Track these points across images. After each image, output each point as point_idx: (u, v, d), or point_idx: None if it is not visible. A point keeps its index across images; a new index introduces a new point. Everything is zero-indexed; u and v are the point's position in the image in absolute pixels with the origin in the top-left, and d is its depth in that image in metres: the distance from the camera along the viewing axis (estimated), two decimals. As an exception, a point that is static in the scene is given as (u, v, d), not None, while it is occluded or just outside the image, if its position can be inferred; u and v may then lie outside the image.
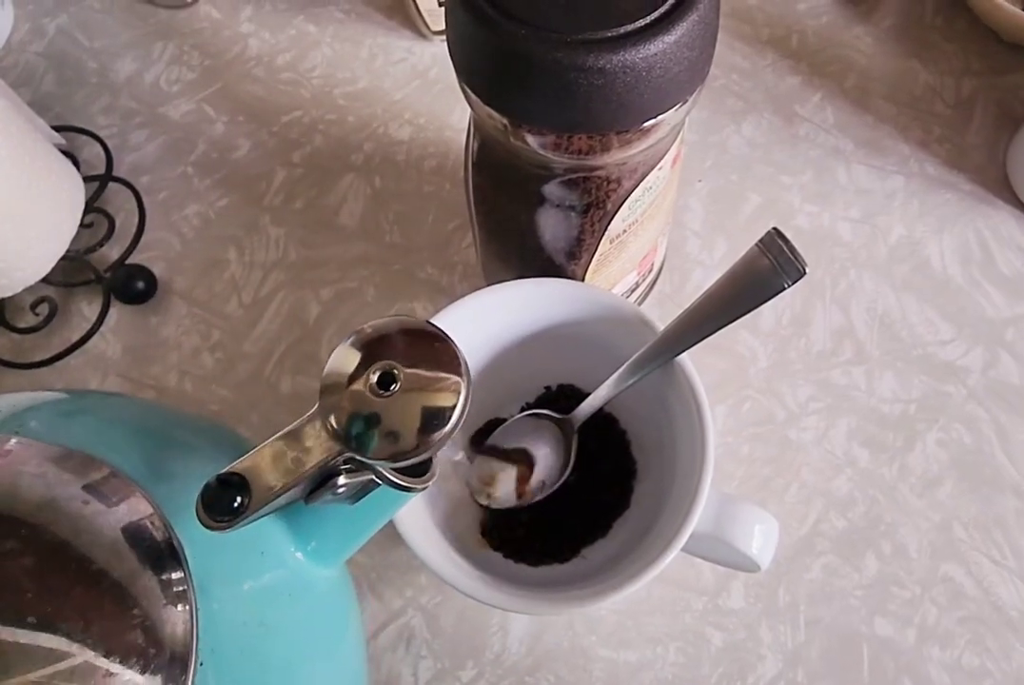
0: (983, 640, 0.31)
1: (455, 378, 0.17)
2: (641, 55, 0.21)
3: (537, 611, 0.26)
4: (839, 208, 0.40)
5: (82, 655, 0.17)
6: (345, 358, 0.17)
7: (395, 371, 0.17)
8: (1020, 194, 0.39)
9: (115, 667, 0.17)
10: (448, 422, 0.17)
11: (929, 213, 0.40)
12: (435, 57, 0.45)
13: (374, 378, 0.17)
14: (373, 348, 0.18)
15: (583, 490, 0.31)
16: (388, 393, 0.17)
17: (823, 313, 0.37)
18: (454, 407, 0.17)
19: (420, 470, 0.20)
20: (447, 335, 0.18)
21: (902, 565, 0.32)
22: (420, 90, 0.44)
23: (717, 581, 0.32)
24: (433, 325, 0.19)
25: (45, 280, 0.37)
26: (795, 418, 0.35)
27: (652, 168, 0.26)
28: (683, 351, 0.27)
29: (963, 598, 0.32)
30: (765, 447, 0.35)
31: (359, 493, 0.21)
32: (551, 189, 0.26)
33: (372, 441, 0.17)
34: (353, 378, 0.17)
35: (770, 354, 0.37)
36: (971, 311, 0.37)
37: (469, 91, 0.24)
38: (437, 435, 0.17)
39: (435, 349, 0.18)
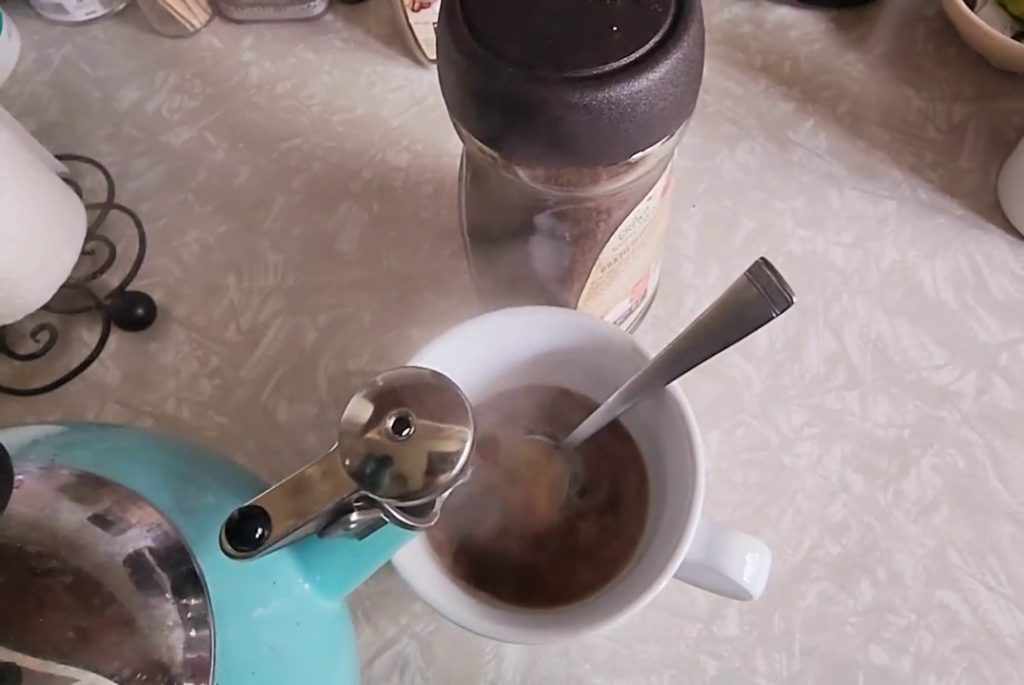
0: (979, 669, 0.31)
1: (462, 428, 0.19)
2: (626, 92, 0.21)
3: (530, 641, 0.26)
4: (832, 233, 0.40)
5: (94, 679, 0.17)
6: (362, 407, 0.19)
7: (409, 417, 0.19)
8: (1012, 219, 0.40)
9: None
10: (455, 467, 0.19)
11: (922, 238, 0.40)
12: (432, 85, 0.46)
13: (390, 423, 0.19)
14: (388, 397, 0.19)
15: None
16: (402, 438, 0.19)
17: (816, 338, 0.38)
18: (460, 453, 0.19)
19: (424, 511, 0.22)
20: (455, 385, 0.20)
21: (897, 592, 0.32)
22: (417, 117, 0.45)
23: (711, 608, 0.32)
24: (441, 376, 0.20)
25: (46, 307, 0.37)
26: (789, 444, 0.35)
27: (642, 198, 0.26)
28: (673, 379, 0.27)
29: (959, 626, 0.32)
30: (759, 473, 0.35)
31: (367, 530, 0.22)
32: (542, 219, 0.27)
33: (384, 480, 0.19)
34: (369, 425, 0.19)
35: (764, 379, 0.37)
36: (964, 336, 0.38)
37: (460, 126, 0.24)
38: (443, 478, 0.19)
39: (444, 399, 0.20)
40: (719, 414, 0.36)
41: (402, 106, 0.45)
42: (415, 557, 0.26)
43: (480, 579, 0.28)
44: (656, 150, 0.23)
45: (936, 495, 0.34)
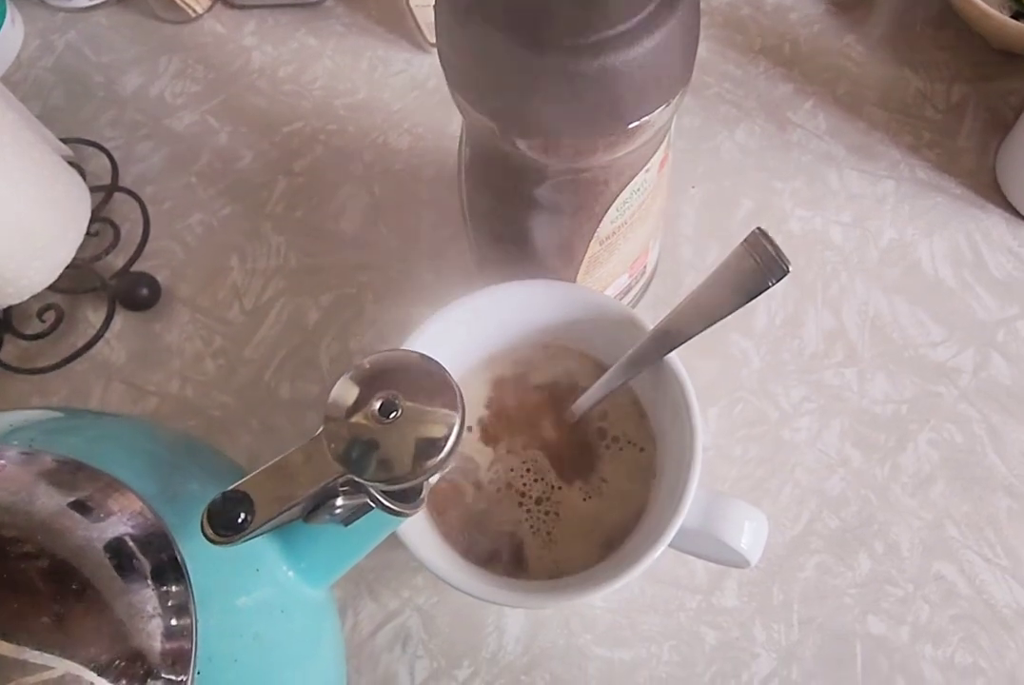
0: (976, 638, 0.31)
1: (449, 411, 0.19)
2: (623, 59, 0.21)
3: (531, 605, 0.27)
4: (831, 212, 0.40)
5: (69, 667, 0.17)
6: (348, 389, 0.19)
7: (396, 401, 0.19)
8: (1010, 197, 0.40)
9: (115, 674, 0.18)
10: (442, 451, 0.18)
11: (920, 217, 0.40)
12: (433, 68, 0.46)
13: (376, 405, 0.18)
14: (375, 380, 0.19)
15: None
16: (388, 421, 0.18)
17: (815, 315, 0.38)
18: (447, 438, 0.19)
19: (411, 496, 0.22)
20: (443, 368, 0.20)
21: (895, 564, 0.33)
22: (419, 101, 0.45)
23: (711, 580, 0.33)
24: (429, 359, 0.20)
25: (52, 288, 0.38)
26: (788, 419, 0.36)
27: (639, 170, 0.27)
28: (672, 350, 0.28)
29: (955, 596, 0.32)
30: (758, 448, 0.35)
31: (353, 516, 0.22)
32: (541, 191, 0.27)
33: (370, 465, 0.18)
34: (355, 408, 0.19)
35: (763, 356, 0.37)
36: (962, 313, 0.38)
37: (459, 97, 0.25)
38: (430, 462, 0.18)
39: (432, 382, 0.19)
40: (718, 391, 0.36)
41: (403, 90, 0.45)
42: (417, 526, 0.27)
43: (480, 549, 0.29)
44: (654, 119, 0.24)
45: (933, 469, 0.34)
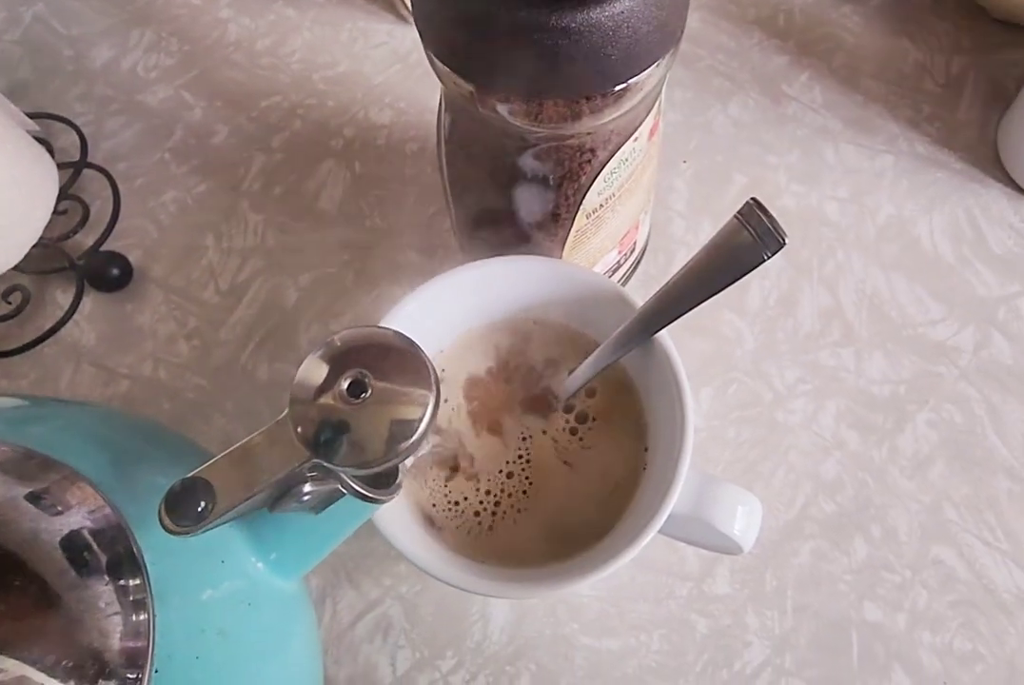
0: (975, 624, 0.30)
1: (423, 391, 0.18)
2: (607, 13, 0.20)
3: (517, 595, 0.25)
4: (827, 188, 0.39)
5: (13, 665, 0.16)
6: (316, 369, 0.18)
7: (366, 380, 0.17)
8: (1011, 172, 0.39)
9: (64, 672, 0.17)
10: (415, 432, 0.18)
11: (919, 192, 0.39)
12: (416, 41, 0.43)
13: (344, 385, 0.17)
14: (343, 359, 0.18)
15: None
16: (358, 401, 0.17)
17: (810, 294, 0.37)
18: (421, 419, 0.18)
19: (385, 481, 0.20)
20: (417, 346, 0.19)
21: (892, 549, 0.32)
22: (401, 74, 0.43)
23: (702, 567, 0.32)
24: (403, 336, 0.19)
25: (17, 268, 0.36)
26: (782, 400, 0.34)
27: (627, 139, 0.25)
28: (663, 327, 0.26)
29: (954, 581, 0.31)
30: (752, 430, 0.34)
31: (323, 503, 0.21)
32: (524, 161, 0.26)
33: (340, 448, 0.17)
34: (323, 388, 0.17)
35: (756, 336, 0.36)
36: (962, 290, 0.37)
37: (435, 58, 0.23)
38: (403, 445, 0.18)
39: (405, 361, 0.18)
40: (711, 371, 0.35)
41: (385, 63, 0.44)
42: (396, 515, 0.26)
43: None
44: (641, 81, 0.22)
45: (932, 451, 0.33)
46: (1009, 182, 0.39)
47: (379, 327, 0.19)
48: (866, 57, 0.43)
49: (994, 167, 0.39)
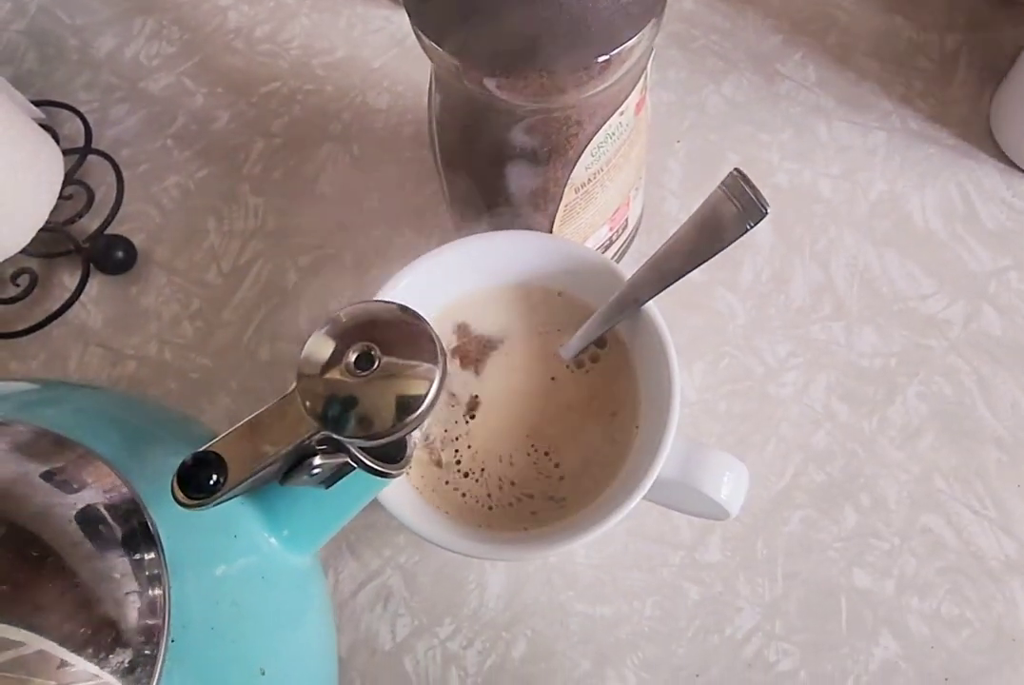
0: (962, 590, 0.31)
1: (429, 364, 0.18)
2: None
3: (508, 556, 0.26)
4: (820, 165, 0.39)
5: (32, 638, 0.17)
6: (322, 344, 0.18)
7: (373, 353, 0.18)
8: (1004, 146, 0.39)
9: (81, 642, 0.17)
10: (422, 404, 0.18)
11: (911, 168, 0.39)
12: (412, 25, 0.45)
13: (352, 358, 0.18)
14: (349, 334, 0.18)
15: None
16: (365, 374, 0.18)
17: (802, 270, 0.37)
18: (428, 392, 0.18)
19: (395, 455, 0.21)
20: (423, 319, 0.19)
21: (881, 517, 0.32)
22: (398, 59, 0.44)
23: (694, 535, 0.32)
24: (409, 310, 0.19)
25: (25, 251, 0.37)
26: (774, 374, 0.35)
27: (613, 112, 0.26)
28: (651, 298, 0.27)
29: (943, 549, 0.32)
30: (743, 403, 0.35)
31: (334, 477, 0.21)
32: (512, 135, 0.26)
33: (348, 421, 0.18)
34: (330, 363, 0.18)
35: (748, 311, 0.36)
36: (953, 265, 0.37)
37: (421, 34, 0.24)
38: (411, 417, 0.18)
39: (411, 334, 0.18)
40: (703, 346, 0.36)
41: (382, 48, 0.44)
42: (396, 486, 0.26)
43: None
44: (624, 52, 0.23)
45: (922, 422, 0.34)
46: (1002, 157, 0.39)
47: (384, 301, 0.19)
48: (860, 35, 0.43)
49: (987, 142, 0.40)
